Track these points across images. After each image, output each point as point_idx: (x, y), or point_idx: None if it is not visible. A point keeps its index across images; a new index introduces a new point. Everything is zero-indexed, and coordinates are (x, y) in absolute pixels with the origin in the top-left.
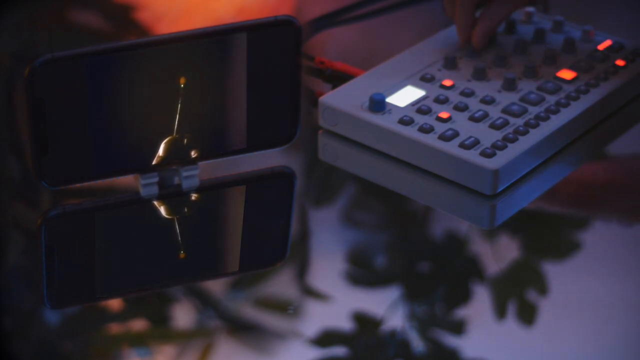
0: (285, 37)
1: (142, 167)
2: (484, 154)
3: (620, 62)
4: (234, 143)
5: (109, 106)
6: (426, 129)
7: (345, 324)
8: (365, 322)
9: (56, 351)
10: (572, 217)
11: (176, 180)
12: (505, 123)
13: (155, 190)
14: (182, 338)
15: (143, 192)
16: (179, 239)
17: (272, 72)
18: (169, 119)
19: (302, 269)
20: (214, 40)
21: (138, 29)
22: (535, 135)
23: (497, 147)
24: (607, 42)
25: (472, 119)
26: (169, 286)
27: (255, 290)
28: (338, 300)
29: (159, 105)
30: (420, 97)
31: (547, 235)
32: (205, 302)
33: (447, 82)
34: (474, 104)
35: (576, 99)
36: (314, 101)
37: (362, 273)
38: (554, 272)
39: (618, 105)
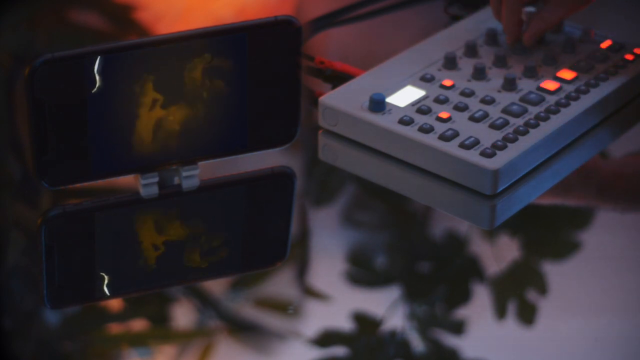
0: (285, 37)
1: (142, 167)
2: (484, 154)
3: (620, 62)
4: (234, 143)
5: (108, 106)
6: (426, 129)
7: (345, 324)
8: (365, 322)
9: (56, 351)
10: (573, 216)
11: (176, 180)
12: (505, 123)
13: (155, 190)
14: (182, 338)
15: (143, 192)
16: (179, 239)
17: (272, 72)
18: (168, 119)
19: (302, 269)
20: (214, 40)
21: (138, 29)
22: (535, 135)
23: (497, 147)
24: (607, 42)
25: (472, 119)
26: (169, 286)
27: (255, 290)
28: (338, 300)
29: (159, 105)
30: (420, 97)
31: (547, 235)
32: (205, 302)
33: (447, 82)
34: (474, 104)
35: (576, 99)
36: (314, 101)
37: (362, 273)
38: (554, 272)
39: (618, 105)
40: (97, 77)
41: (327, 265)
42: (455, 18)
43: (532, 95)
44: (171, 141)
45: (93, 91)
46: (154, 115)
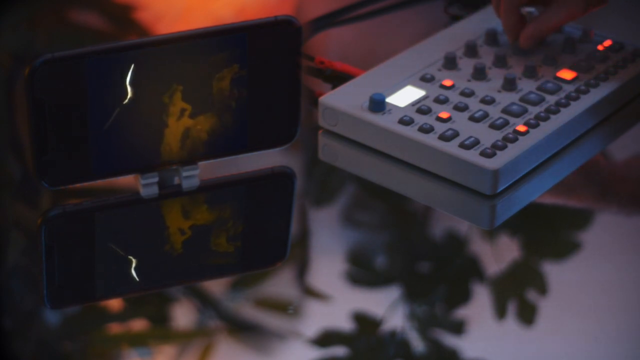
0: (285, 37)
1: (142, 167)
2: (484, 154)
3: (620, 62)
4: (234, 143)
5: (108, 106)
6: (426, 129)
7: (345, 324)
8: (365, 322)
9: (56, 351)
10: (573, 216)
11: (176, 180)
12: (505, 123)
13: (155, 190)
14: (182, 338)
15: (143, 192)
16: (178, 239)
17: (272, 72)
18: (168, 119)
19: (302, 269)
20: (214, 40)
21: (138, 29)
22: (535, 135)
23: (497, 147)
24: (607, 42)
25: (472, 119)
26: (169, 286)
27: (255, 290)
28: (338, 300)
29: (159, 105)
30: (420, 97)
31: (547, 235)
32: (205, 302)
33: (447, 82)
34: (474, 104)
35: (576, 99)
36: (314, 101)
37: (362, 273)
38: (554, 272)
39: (618, 105)
40: (98, 77)
41: (327, 265)
42: (455, 18)
43: (532, 95)
44: (183, 145)
45: (93, 91)
46: (183, 124)
